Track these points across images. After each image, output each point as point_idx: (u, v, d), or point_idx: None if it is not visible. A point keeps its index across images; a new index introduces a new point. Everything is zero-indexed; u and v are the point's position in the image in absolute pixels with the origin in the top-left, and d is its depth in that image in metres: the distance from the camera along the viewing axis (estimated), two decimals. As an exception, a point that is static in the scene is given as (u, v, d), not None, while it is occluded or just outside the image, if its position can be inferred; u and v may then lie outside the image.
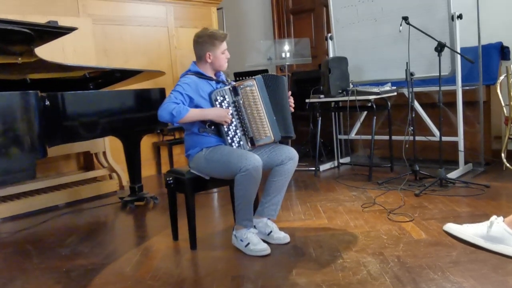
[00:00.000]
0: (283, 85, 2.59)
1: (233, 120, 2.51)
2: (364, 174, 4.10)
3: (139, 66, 4.62)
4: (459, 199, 3.13)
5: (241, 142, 2.52)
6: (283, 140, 2.63)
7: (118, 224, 3.40)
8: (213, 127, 2.51)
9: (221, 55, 2.56)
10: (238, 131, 2.52)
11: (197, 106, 2.49)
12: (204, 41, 2.53)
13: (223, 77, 2.68)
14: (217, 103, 2.50)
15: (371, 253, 2.31)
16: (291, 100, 2.63)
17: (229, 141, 2.51)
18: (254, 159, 2.34)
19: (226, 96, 2.51)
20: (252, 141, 2.51)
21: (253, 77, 2.53)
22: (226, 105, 2.51)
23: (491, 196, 3.16)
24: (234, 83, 2.59)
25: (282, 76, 2.63)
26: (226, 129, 2.51)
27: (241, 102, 2.51)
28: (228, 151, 2.44)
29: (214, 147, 2.50)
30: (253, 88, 2.49)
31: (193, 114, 2.44)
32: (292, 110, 2.63)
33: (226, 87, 2.52)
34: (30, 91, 2.43)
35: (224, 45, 2.56)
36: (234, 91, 2.51)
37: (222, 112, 2.48)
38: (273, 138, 2.50)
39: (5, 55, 2.69)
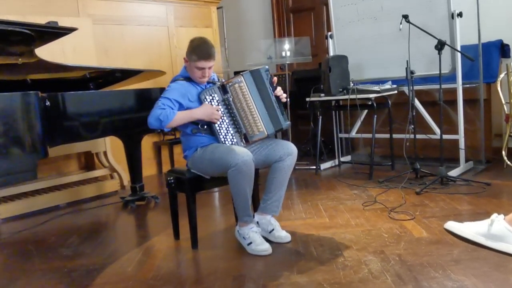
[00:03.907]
0: (263, 76, 2.51)
1: (225, 118, 2.50)
2: (365, 172, 4.10)
3: (140, 65, 4.61)
4: (460, 197, 3.13)
5: (235, 140, 2.50)
6: (279, 132, 2.60)
7: (119, 224, 3.40)
8: (205, 126, 2.50)
9: (194, 69, 2.48)
10: (230, 128, 2.51)
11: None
12: (189, 47, 2.50)
13: (214, 77, 2.65)
14: (206, 102, 2.48)
15: (372, 252, 2.31)
16: (278, 91, 2.53)
17: (222, 139, 2.49)
18: (243, 153, 2.32)
19: (215, 95, 2.50)
20: (246, 138, 2.51)
21: (241, 73, 2.52)
22: (216, 103, 2.50)
23: (492, 194, 3.16)
24: (223, 81, 2.58)
25: (260, 67, 2.55)
26: (218, 128, 2.49)
27: (230, 99, 2.50)
28: (218, 148, 2.43)
29: (207, 146, 2.49)
30: (241, 84, 2.49)
31: (181, 116, 2.44)
32: (284, 100, 2.56)
33: (215, 86, 2.52)
34: (31, 92, 2.43)
35: (201, 63, 2.44)
36: (223, 89, 2.51)
37: (209, 109, 2.46)
38: (266, 133, 2.49)
39: (5, 56, 2.69)
